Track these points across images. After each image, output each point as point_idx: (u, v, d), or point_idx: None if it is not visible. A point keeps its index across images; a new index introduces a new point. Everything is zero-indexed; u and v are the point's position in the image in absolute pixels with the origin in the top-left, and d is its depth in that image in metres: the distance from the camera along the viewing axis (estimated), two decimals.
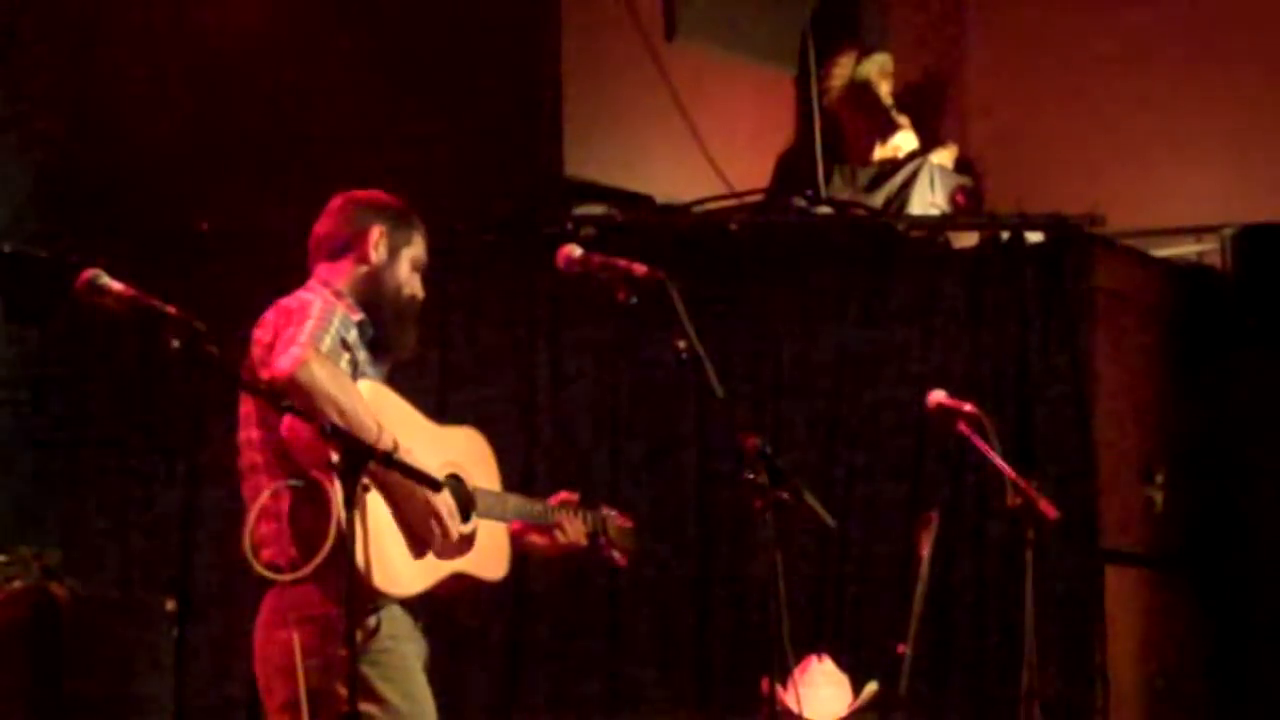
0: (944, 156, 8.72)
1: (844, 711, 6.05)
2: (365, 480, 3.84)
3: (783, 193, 8.35)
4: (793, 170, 8.65)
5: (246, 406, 4.39)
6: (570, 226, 7.10)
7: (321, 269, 4.53)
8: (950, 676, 6.93)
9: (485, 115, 7.54)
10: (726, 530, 6.96)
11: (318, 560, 4.15)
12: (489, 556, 4.56)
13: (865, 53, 8.90)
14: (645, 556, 5.45)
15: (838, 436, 7.12)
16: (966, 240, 7.52)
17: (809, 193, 8.30)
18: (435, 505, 4.32)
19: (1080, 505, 6.91)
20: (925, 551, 5.63)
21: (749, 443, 4.10)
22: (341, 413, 4.08)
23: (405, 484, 4.22)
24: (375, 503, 4.19)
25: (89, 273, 3.71)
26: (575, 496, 4.81)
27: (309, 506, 4.21)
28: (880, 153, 8.77)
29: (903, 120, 8.81)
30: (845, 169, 8.67)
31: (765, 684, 4.29)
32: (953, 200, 8.48)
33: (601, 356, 7.09)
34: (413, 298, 4.57)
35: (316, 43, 7.23)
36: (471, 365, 7.03)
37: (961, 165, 8.82)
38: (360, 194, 4.60)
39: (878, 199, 8.41)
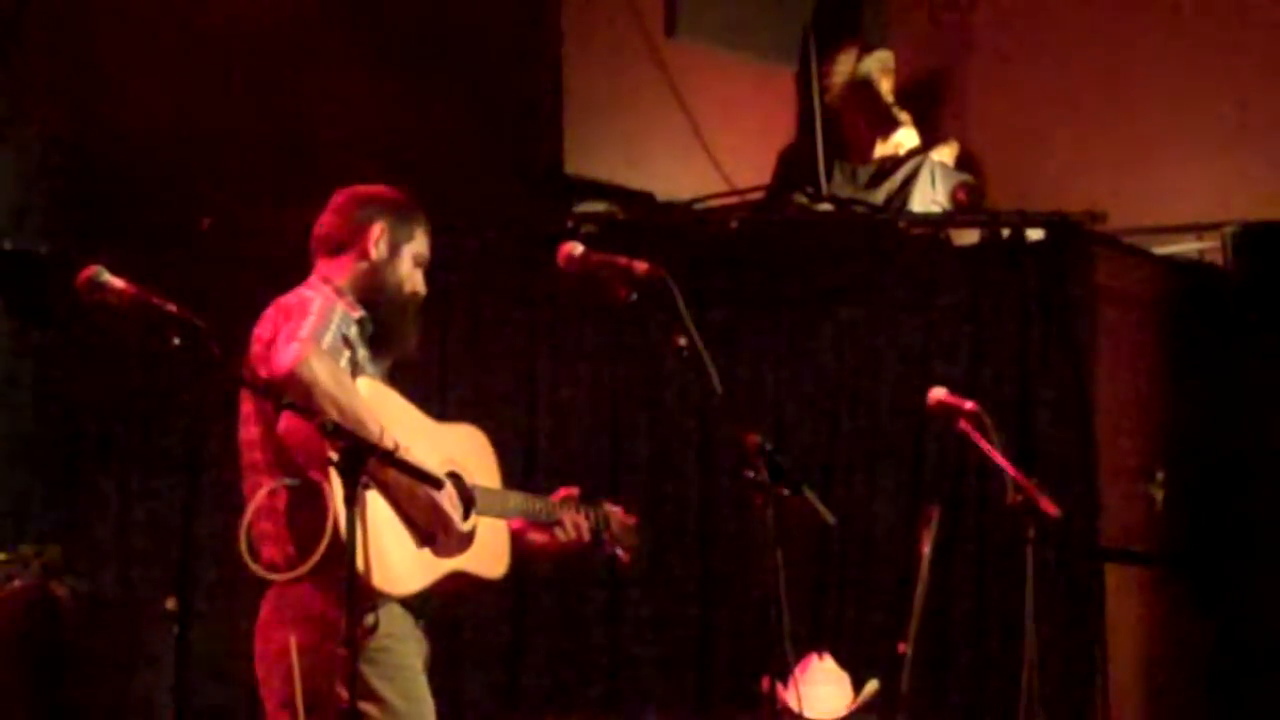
0: (945, 154, 8.71)
1: (844, 710, 6.05)
2: (365, 479, 3.83)
3: (784, 190, 8.35)
4: (794, 167, 8.65)
5: (247, 405, 4.39)
6: (571, 224, 7.10)
7: (322, 265, 4.52)
8: (950, 676, 6.93)
9: (486, 113, 7.54)
10: (727, 529, 6.96)
11: (314, 559, 4.15)
12: (489, 555, 4.55)
13: (866, 49, 8.89)
14: (645, 554, 5.44)
15: (838, 433, 7.12)
16: (967, 238, 7.52)
17: (810, 190, 8.30)
18: (438, 499, 4.31)
19: (1080, 504, 6.90)
20: (926, 549, 5.63)
21: (749, 440, 4.10)
22: (341, 410, 4.07)
23: (406, 481, 4.21)
24: (374, 501, 4.18)
25: (90, 270, 3.71)
26: (576, 492, 4.81)
27: (306, 505, 4.21)
28: (881, 150, 8.77)
29: (904, 117, 8.80)
30: (846, 166, 8.66)
31: (766, 682, 4.28)
32: (954, 198, 8.47)
33: (602, 355, 7.09)
34: (414, 294, 4.56)
35: (317, 42, 7.23)
36: (471, 364, 7.03)
37: (963, 162, 8.81)
38: (362, 189, 4.59)
39: (879, 196, 8.41)
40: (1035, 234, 7.27)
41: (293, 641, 4.20)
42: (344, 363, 4.29)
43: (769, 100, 8.81)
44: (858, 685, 6.10)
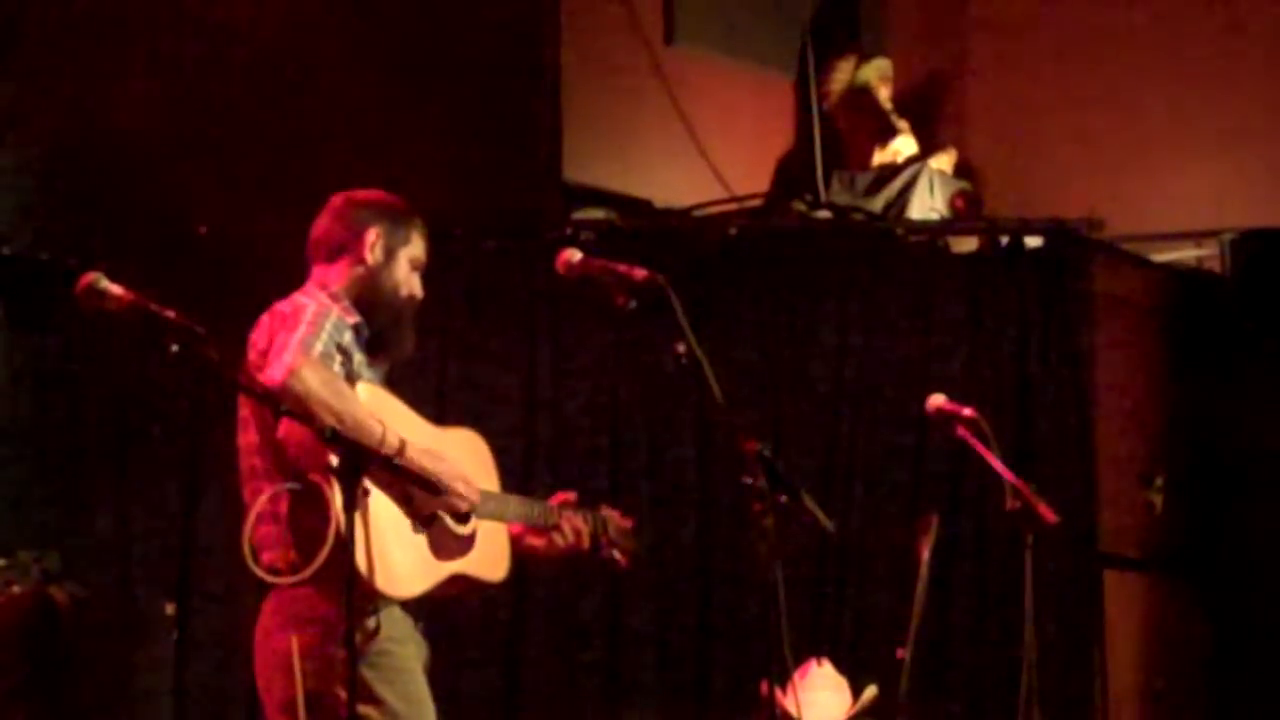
0: (943, 161, 8.72)
1: (843, 715, 6.05)
2: (366, 484, 3.84)
3: (782, 197, 8.36)
4: (792, 174, 8.66)
5: (245, 410, 4.39)
6: (570, 231, 7.10)
7: (318, 271, 4.53)
8: (950, 677, 6.93)
9: (485, 119, 7.55)
10: (726, 532, 6.96)
11: (317, 563, 4.16)
12: (489, 558, 4.56)
13: (865, 57, 8.90)
14: (645, 557, 5.45)
15: (837, 440, 7.12)
16: (966, 245, 7.52)
17: (808, 197, 8.30)
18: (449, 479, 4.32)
19: (1079, 509, 6.91)
20: (925, 555, 5.63)
21: (748, 447, 4.10)
22: (337, 416, 4.08)
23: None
24: (376, 504, 4.19)
25: (89, 276, 3.72)
26: (574, 497, 4.82)
27: (308, 509, 4.22)
28: (879, 157, 8.77)
29: (902, 125, 8.81)
30: (844, 173, 8.67)
31: (765, 687, 4.29)
32: (952, 205, 8.48)
33: (601, 361, 7.10)
34: (411, 298, 4.56)
35: (317, 46, 7.23)
36: (472, 368, 7.03)
37: (961, 170, 8.82)
38: (358, 194, 4.60)
39: (877, 204, 8.41)
40: (1034, 241, 7.27)
41: (294, 644, 4.21)
42: (336, 368, 4.29)
43: (767, 108, 8.82)
44: (856, 691, 6.10)
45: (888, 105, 8.84)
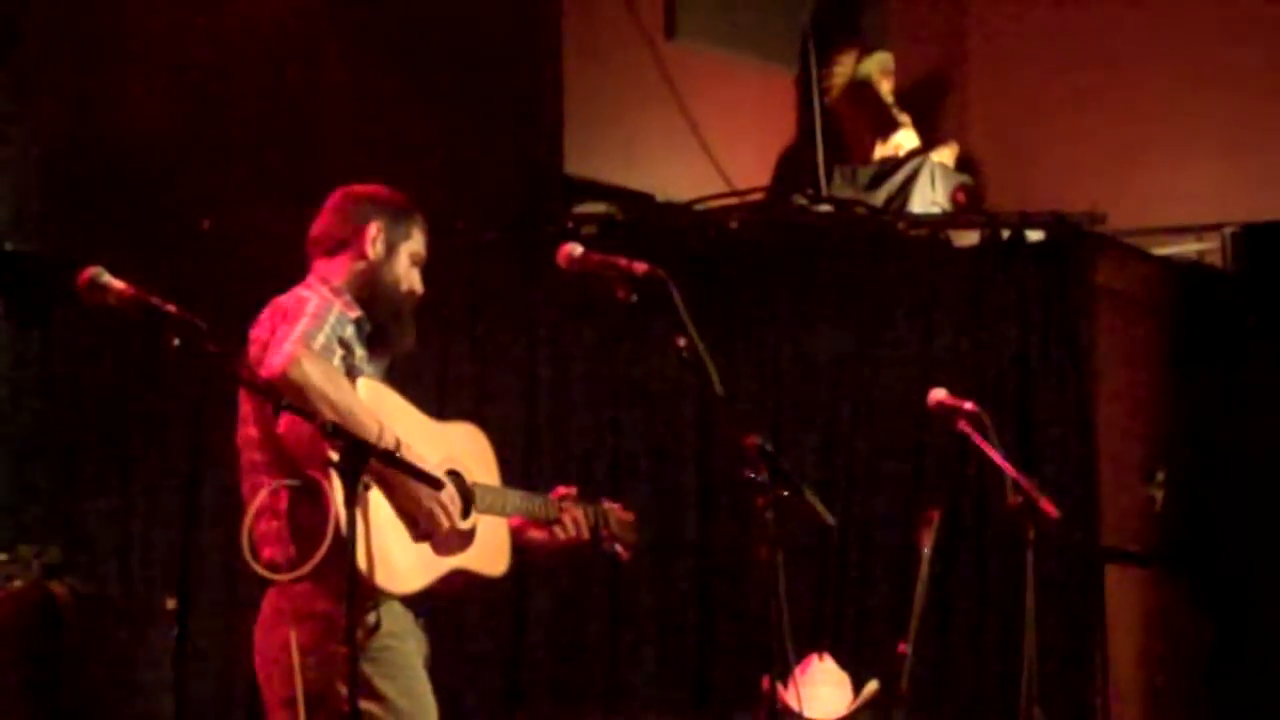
0: (945, 155, 8.72)
1: (844, 710, 6.05)
2: (366, 478, 3.84)
3: (783, 191, 8.36)
4: (793, 168, 8.66)
5: (245, 405, 4.39)
6: (571, 225, 7.10)
7: (319, 265, 4.52)
8: (950, 676, 6.93)
9: (486, 114, 7.55)
10: (726, 530, 6.96)
11: (316, 559, 4.15)
12: (490, 552, 4.56)
13: (866, 51, 8.90)
14: (645, 554, 5.45)
15: (838, 434, 7.12)
16: (967, 239, 7.52)
17: (810, 191, 8.30)
18: (437, 495, 4.32)
19: (1080, 504, 6.91)
20: (926, 550, 5.63)
21: (749, 441, 4.09)
22: (336, 410, 4.08)
23: (404, 477, 4.22)
24: (375, 499, 4.18)
25: (90, 271, 3.71)
26: (575, 490, 4.81)
27: (307, 505, 4.21)
28: (881, 151, 8.77)
29: (904, 119, 8.81)
30: (846, 167, 8.67)
31: (766, 683, 4.28)
32: (953, 199, 8.49)
33: (602, 355, 7.09)
34: (411, 293, 4.56)
35: (317, 43, 7.23)
36: (471, 364, 7.03)
37: (962, 163, 8.83)
38: (358, 189, 4.59)
39: (878, 197, 8.41)
40: (1035, 235, 7.28)
41: (294, 640, 4.21)
42: (338, 362, 4.29)
43: (769, 102, 8.82)
44: (858, 686, 6.10)
45: (889, 99, 8.84)
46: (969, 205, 8.45)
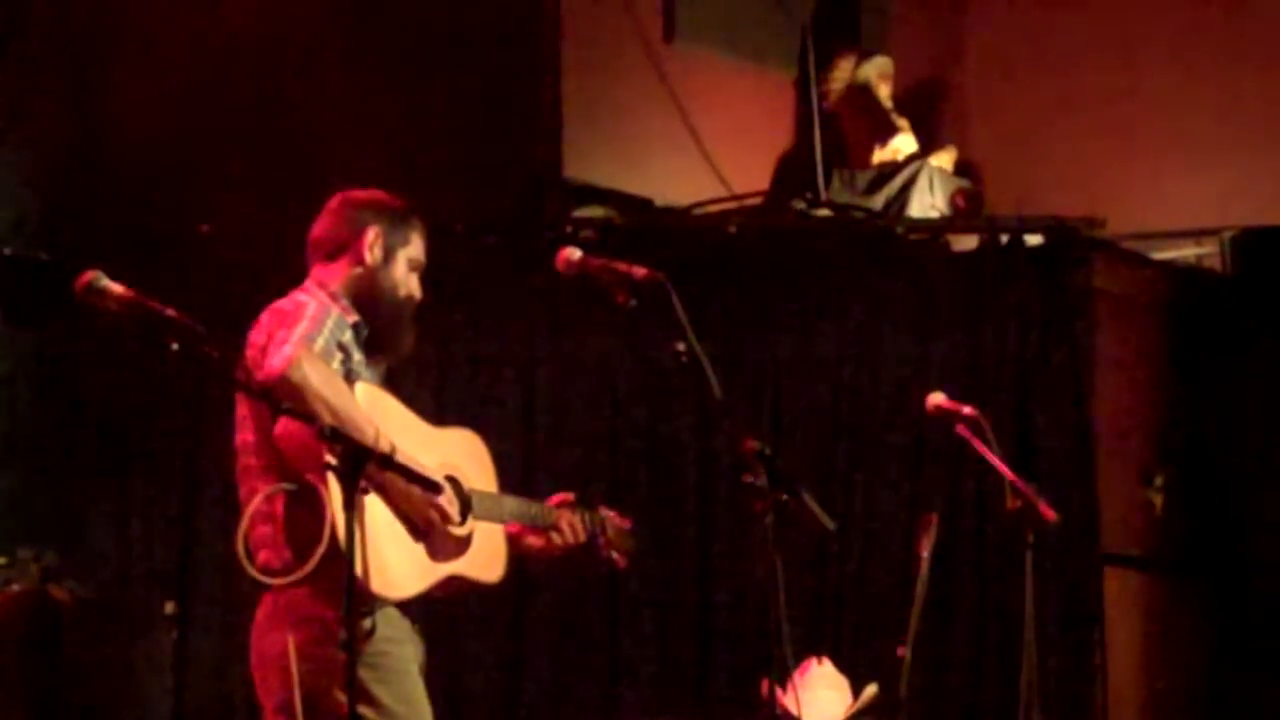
0: (944, 159, 8.71)
1: (843, 714, 6.05)
2: (364, 483, 3.83)
3: (782, 195, 8.35)
4: (792, 173, 8.65)
5: (242, 409, 4.39)
6: (570, 229, 7.10)
7: (318, 270, 4.52)
8: (949, 679, 6.93)
9: (485, 117, 7.54)
10: (726, 531, 6.97)
11: (311, 564, 4.15)
12: (486, 559, 4.56)
13: (865, 55, 8.89)
14: (645, 557, 5.45)
15: (837, 439, 7.12)
16: (966, 243, 7.52)
17: (808, 195, 8.29)
18: (433, 499, 4.32)
19: (1080, 508, 6.90)
20: (925, 553, 5.63)
21: (748, 445, 4.10)
22: (334, 413, 4.08)
23: (402, 481, 4.22)
24: (371, 505, 4.18)
25: (89, 275, 3.71)
26: (572, 497, 4.81)
27: (303, 509, 4.21)
28: (880, 155, 8.77)
29: (902, 123, 8.80)
30: (845, 172, 8.66)
31: (765, 686, 4.29)
32: (952, 203, 8.48)
33: (601, 359, 7.09)
34: (409, 298, 4.56)
35: (317, 44, 7.22)
36: (471, 367, 7.03)
37: (961, 168, 8.82)
38: (357, 194, 4.59)
39: (877, 202, 8.41)
40: (1034, 239, 7.27)
41: (290, 644, 4.21)
42: (336, 366, 4.29)
43: (768, 106, 8.81)
44: (857, 689, 6.10)
45: (888, 103, 8.83)
46: (968, 210, 8.44)
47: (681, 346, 4.16)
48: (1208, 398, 7.43)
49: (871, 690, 6.06)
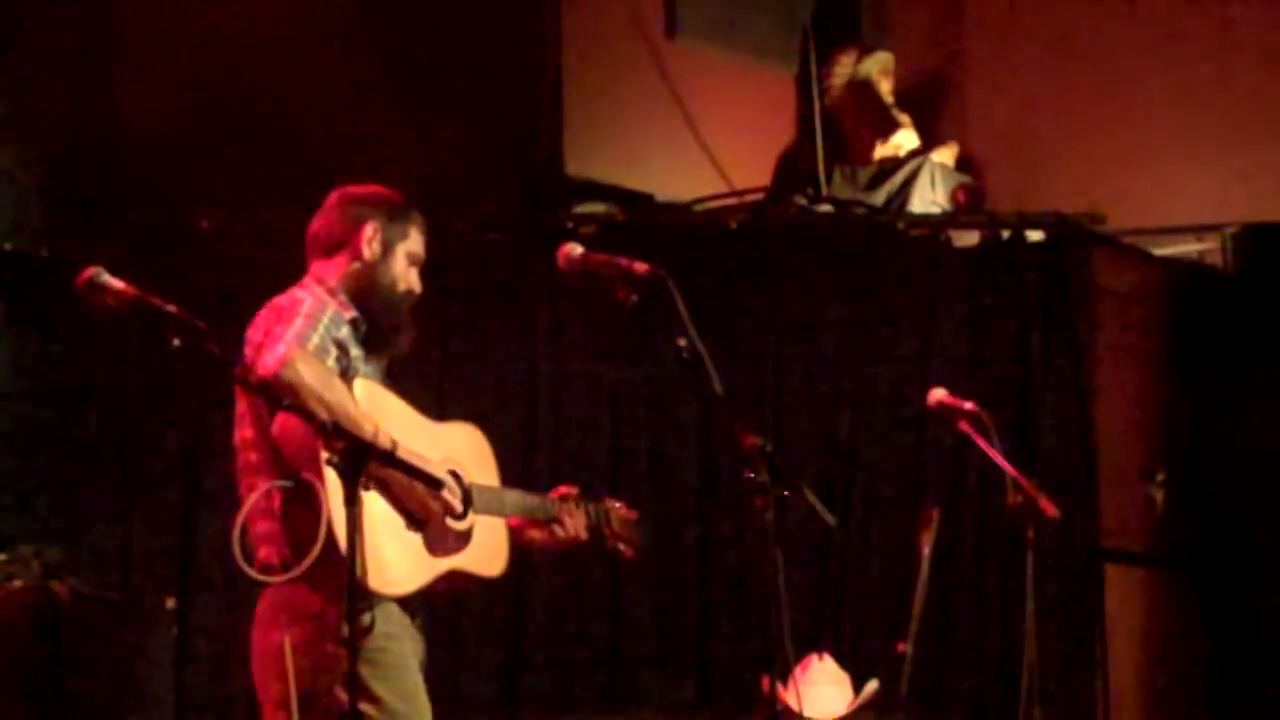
0: (945, 155, 8.71)
1: (844, 710, 6.05)
2: (365, 480, 3.83)
3: (783, 191, 8.34)
4: (793, 169, 8.64)
5: (241, 405, 4.39)
6: (571, 225, 7.10)
7: (316, 266, 4.52)
8: (950, 676, 6.93)
9: (486, 114, 7.54)
10: (726, 530, 6.96)
11: (308, 560, 4.15)
12: (487, 553, 4.55)
13: (866, 51, 8.89)
14: (645, 553, 5.45)
15: (838, 434, 7.12)
16: (967, 239, 7.52)
17: (810, 191, 8.29)
18: (437, 494, 4.32)
19: (1081, 504, 6.91)
20: (926, 550, 5.63)
21: (749, 441, 4.09)
22: (330, 411, 4.07)
23: (404, 477, 4.21)
24: (368, 501, 4.18)
25: (89, 271, 3.72)
26: (575, 491, 4.81)
27: (301, 506, 4.21)
28: (881, 151, 8.76)
29: (904, 119, 8.80)
30: (846, 167, 8.65)
31: (766, 682, 4.29)
32: (953, 199, 8.47)
33: (602, 355, 7.09)
34: (408, 293, 4.56)
35: (317, 42, 7.22)
36: (471, 363, 7.03)
37: (962, 164, 8.81)
38: (356, 189, 4.59)
39: (878, 198, 8.40)
40: (1035, 235, 7.27)
41: (288, 641, 4.21)
42: (332, 363, 4.29)
43: (769, 102, 8.81)
44: (858, 685, 6.10)
45: (889, 99, 8.83)
46: (969, 205, 8.44)
47: (682, 342, 4.16)
48: (1209, 393, 7.43)
49: (873, 686, 6.07)
